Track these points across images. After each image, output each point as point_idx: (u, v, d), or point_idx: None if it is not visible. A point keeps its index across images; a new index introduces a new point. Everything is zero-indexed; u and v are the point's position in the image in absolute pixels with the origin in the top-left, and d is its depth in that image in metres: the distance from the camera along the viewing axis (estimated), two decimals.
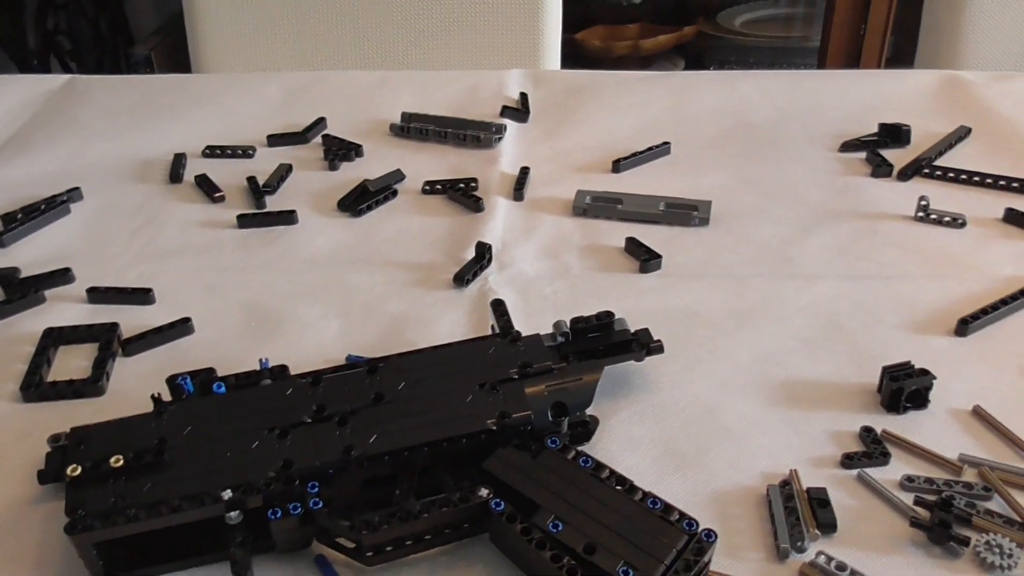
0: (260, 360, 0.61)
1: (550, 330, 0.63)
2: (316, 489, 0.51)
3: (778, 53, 2.84)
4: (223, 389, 0.57)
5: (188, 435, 0.54)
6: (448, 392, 0.56)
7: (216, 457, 0.53)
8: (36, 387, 0.67)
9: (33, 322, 0.74)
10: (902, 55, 2.36)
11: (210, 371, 0.60)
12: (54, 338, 0.72)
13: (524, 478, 0.52)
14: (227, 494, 0.50)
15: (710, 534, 0.49)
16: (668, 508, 0.51)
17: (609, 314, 0.64)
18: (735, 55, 2.82)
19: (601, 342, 0.63)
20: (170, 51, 2.52)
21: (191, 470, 0.52)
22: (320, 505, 0.51)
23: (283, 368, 0.60)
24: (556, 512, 0.50)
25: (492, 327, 0.67)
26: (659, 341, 0.64)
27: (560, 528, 0.49)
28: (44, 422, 0.64)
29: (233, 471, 0.52)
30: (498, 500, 0.51)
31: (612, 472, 0.53)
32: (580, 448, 0.55)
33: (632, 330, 0.64)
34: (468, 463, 0.54)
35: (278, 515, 0.50)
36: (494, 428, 0.54)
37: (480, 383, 0.57)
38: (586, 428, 0.59)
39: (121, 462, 0.52)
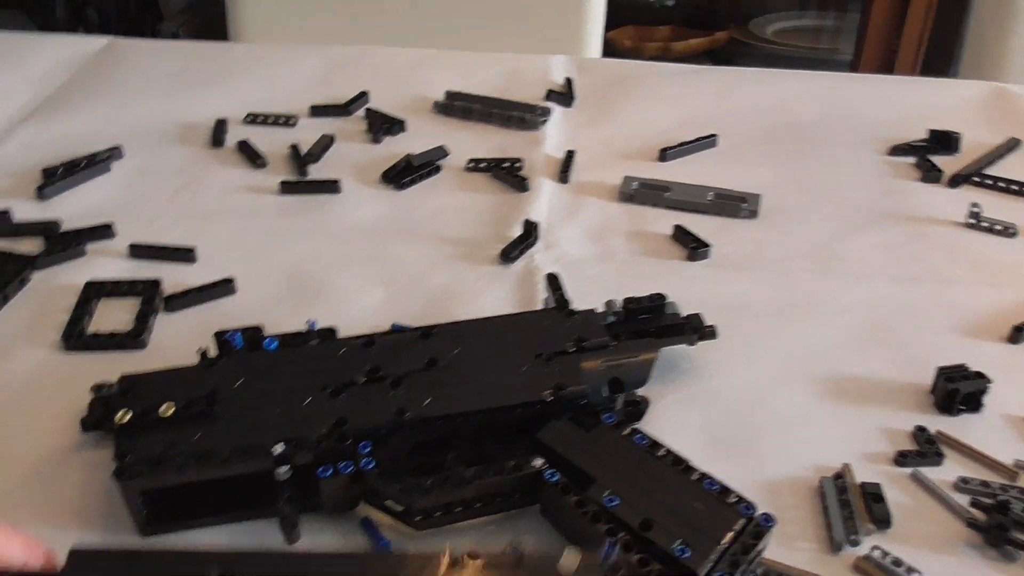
0: (308, 322, 0.60)
1: (600, 309, 0.62)
2: (368, 449, 0.50)
3: (808, 64, 2.81)
4: (275, 345, 0.56)
5: (239, 388, 0.53)
6: (503, 361, 0.55)
7: (267, 412, 0.52)
8: (78, 337, 0.66)
9: (73, 275, 0.73)
10: (931, 72, 2.35)
11: (258, 329, 0.59)
12: (96, 290, 0.71)
13: (578, 451, 0.51)
14: (278, 448, 0.49)
15: (768, 519, 0.49)
16: (725, 490, 0.50)
17: (661, 296, 0.63)
18: (765, 63, 2.79)
19: (652, 324, 0.62)
20: (198, 30, 2.52)
21: (242, 423, 0.51)
22: (372, 465, 0.50)
23: (331, 331, 0.59)
24: (611, 487, 0.49)
25: (544, 302, 0.66)
26: (712, 327, 0.63)
27: (615, 503, 0.48)
28: (85, 372, 0.62)
29: (284, 426, 0.51)
30: (553, 471, 0.50)
31: (668, 451, 0.52)
32: (635, 426, 0.54)
33: (684, 315, 0.63)
34: (519, 434, 0.53)
35: (329, 473, 0.49)
36: (549, 399, 0.53)
37: (536, 354, 0.56)
38: (636, 408, 0.58)
39: (172, 411, 0.51)
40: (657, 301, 0.62)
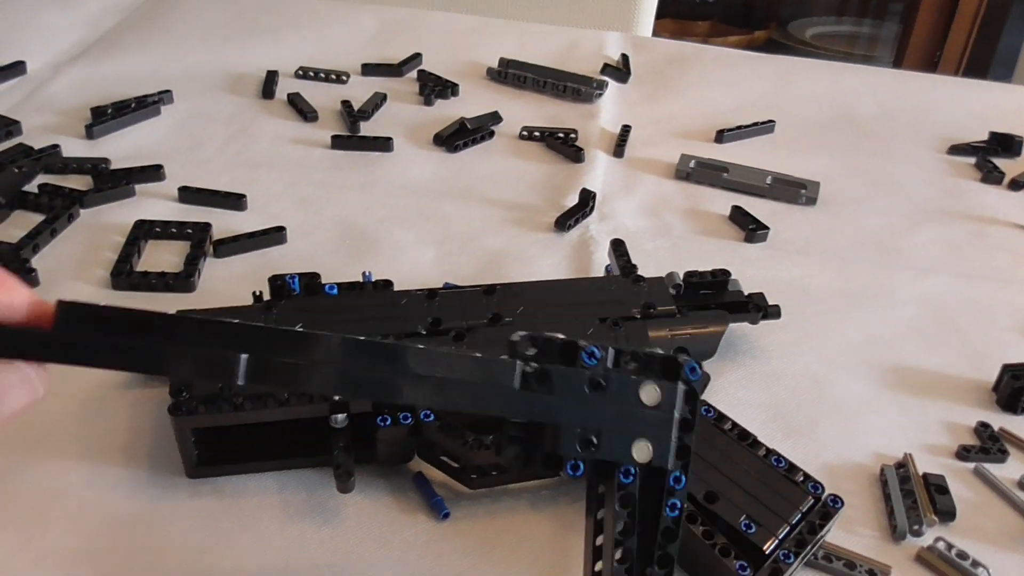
0: (364, 273, 0.58)
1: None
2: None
3: None
4: (335, 291, 0.55)
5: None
6: (568, 323, 0.54)
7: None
8: (127, 275, 0.65)
9: (123, 214, 0.72)
10: None
11: (315, 275, 0.58)
12: (145, 230, 0.70)
13: None
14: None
15: (836, 500, 0.47)
16: (792, 468, 0.48)
17: (725, 272, 0.61)
18: None
19: (714, 300, 0.60)
20: None
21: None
22: (432, 418, 0.48)
23: (388, 283, 0.58)
24: None
25: (607, 269, 0.65)
26: (776, 306, 0.61)
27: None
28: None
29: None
30: None
31: (735, 424, 0.50)
32: (703, 398, 0.52)
33: (746, 292, 0.62)
34: None
35: (387, 422, 0.48)
36: None
37: (601, 318, 0.54)
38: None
39: None
40: (720, 277, 0.61)
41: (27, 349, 0.31)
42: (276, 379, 0.33)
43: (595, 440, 0.35)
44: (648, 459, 0.35)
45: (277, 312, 0.53)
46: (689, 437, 0.36)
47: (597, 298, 0.56)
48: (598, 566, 0.37)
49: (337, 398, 0.48)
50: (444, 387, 0.33)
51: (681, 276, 0.61)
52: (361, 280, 0.58)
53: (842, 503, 0.47)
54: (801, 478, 0.48)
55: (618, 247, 0.64)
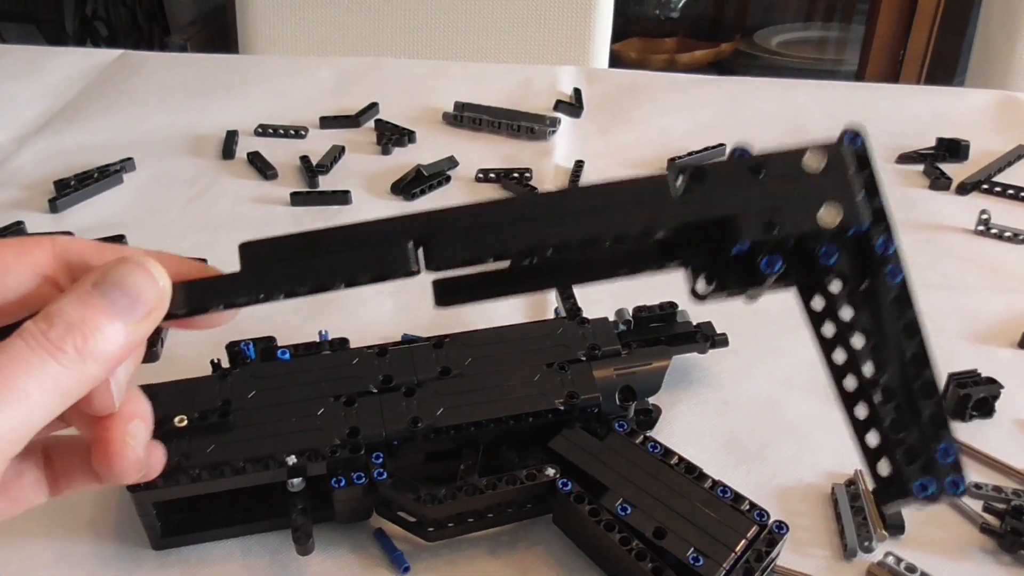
0: (320, 332, 0.60)
1: (611, 318, 0.62)
2: (381, 460, 0.50)
3: (813, 75, 2.83)
4: (288, 356, 0.56)
5: (253, 399, 0.53)
6: (515, 370, 0.55)
7: (281, 422, 0.52)
8: None
9: None
10: (936, 82, 2.35)
11: (271, 339, 0.59)
12: None
13: (591, 459, 0.51)
14: (291, 459, 0.49)
15: (781, 526, 0.48)
16: (738, 498, 0.50)
17: (672, 304, 0.63)
18: (770, 75, 2.81)
19: (663, 332, 0.62)
20: (206, 41, 2.53)
21: (255, 434, 0.51)
22: (384, 476, 0.50)
23: (344, 341, 0.59)
24: (624, 495, 0.49)
25: (556, 311, 0.66)
26: (723, 334, 0.63)
27: (629, 511, 0.48)
28: None
29: (298, 437, 0.51)
30: (565, 480, 0.50)
31: (681, 459, 0.52)
32: (647, 434, 0.54)
33: (694, 323, 0.63)
34: (532, 443, 0.53)
35: (342, 484, 0.50)
36: (562, 408, 0.53)
37: (548, 363, 0.56)
38: (649, 416, 0.58)
39: (185, 422, 0.51)
40: (668, 309, 0.62)
41: (229, 294, 0.35)
42: (456, 256, 0.35)
43: (775, 223, 0.33)
44: (839, 219, 0.33)
45: (232, 381, 0.54)
46: (877, 200, 0.34)
47: (544, 343, 0.57)
48: (858, 409, 0.36)
49: (292, 462, 0.49)
50: (609, 213, 0.33)
51: (630, 311, 0.63)
52: (317, 340, 0.60)
53: (787, 528, 0.48)
54: (747, 507, 0.49)
55: (564, 290, 0.65)
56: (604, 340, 0.58)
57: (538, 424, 0.53)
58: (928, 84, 2.25)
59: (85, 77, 1.12)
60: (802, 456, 0.59)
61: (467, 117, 1.00)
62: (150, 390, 0.53)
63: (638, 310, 0.62)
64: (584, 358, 0.57)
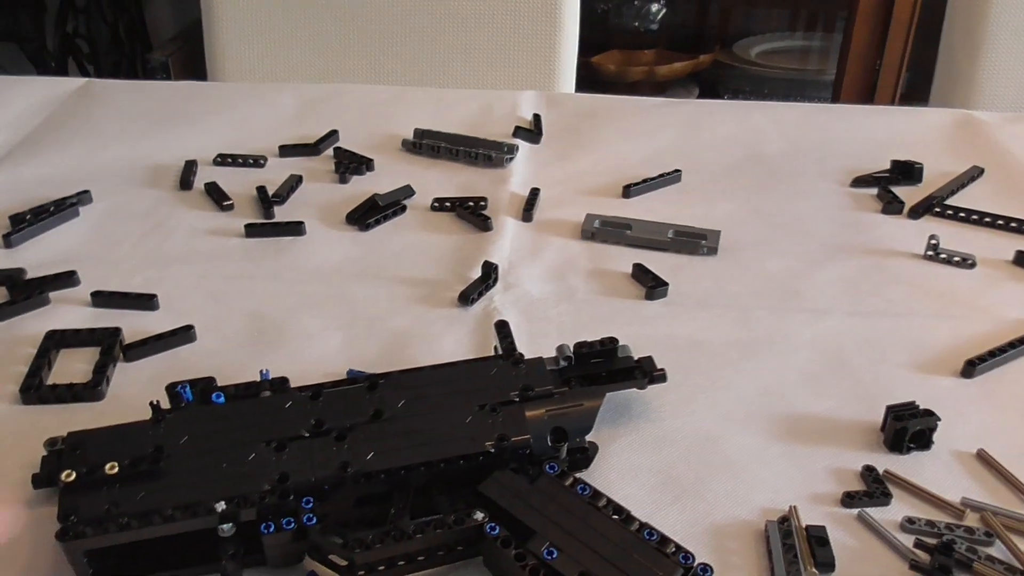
0: (261, 371, 0.60)
1: (553, 353, 0.63)
2: (311, 504, 0.51)
3: (793, 85, 2.86)
4: (222, 399, 0.57)
5: (185, 444, 0.53)
6: (448, 412, 0.56)
7: (212, 468, 0.52)
8: (35, 389, 0.66)
9: (36, 324, 0.74)
10: (916, 92, 2.36)
11: (210, 380, 0.59)
12: (56, 340, 0.71)
13: (520, 503, 0.52)
14: (220, 506, 0.50)
15: (706, 568, 0.49)
16: (664, 540, 0.50)
17: (613, 340, 0.63)
18: (750, 85, 2.83)
19: (604, 368, 0.62)
20: (187, 58, 2.54)
21: (186, 480, 0.52)
22: (314, 521, 0.50)
23: (283, 380, 0.60)
24: (551, 539, 0.49)
25: (495, 348, 0.67)
26: (662, 370, 0.63)
27: (555, 556, 0.49)
28: (42, 425, 0.63)
29: (228, 483, 0.51)
30: (493, 524, 0.50)
31: (609, 501, 0.52)
32: (578, 475, 0.54)
33: (636, 357, 0.64)
34: (464, 484, 0.54)
35: (271, 529, 0.50)
36: (492, 451, 0.54)
37: (480, 404, 0.56)
38: (585, 454, 0.59)
39: (116, 469, 0.51)
40: (608, 345, 0.63)
41: None
42: None
43: None
44: None
45: (166, 427, 0.55)
46: None
47: (478, 383, 0.58)
48: None
49: (222, 508, 0.50)
50: None
51: (571, 347, 0.63)
52: (258, 379, 0.60)
53: (711, 571, 0.49)
54: (672, 549, 0.50)
55: (502, 328, 0.66)
56: (538, 380, 0.58)
57: (469, 467, 0.53)
58: (906, 94, 2.27)
59: (48, 107, 1.12)
60: (738, 492, 0.59)
61: (426, 144, 1.01)
62: (81, 437, 0.53)
63: (579, 346, 0.63)
64: (517, 399, 0.57)
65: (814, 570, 0.53)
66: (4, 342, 0.72)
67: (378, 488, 0.53)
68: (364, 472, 0.52)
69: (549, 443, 0.56)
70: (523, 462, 0.54)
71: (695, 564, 0.49)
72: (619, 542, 0.50)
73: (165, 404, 0.58)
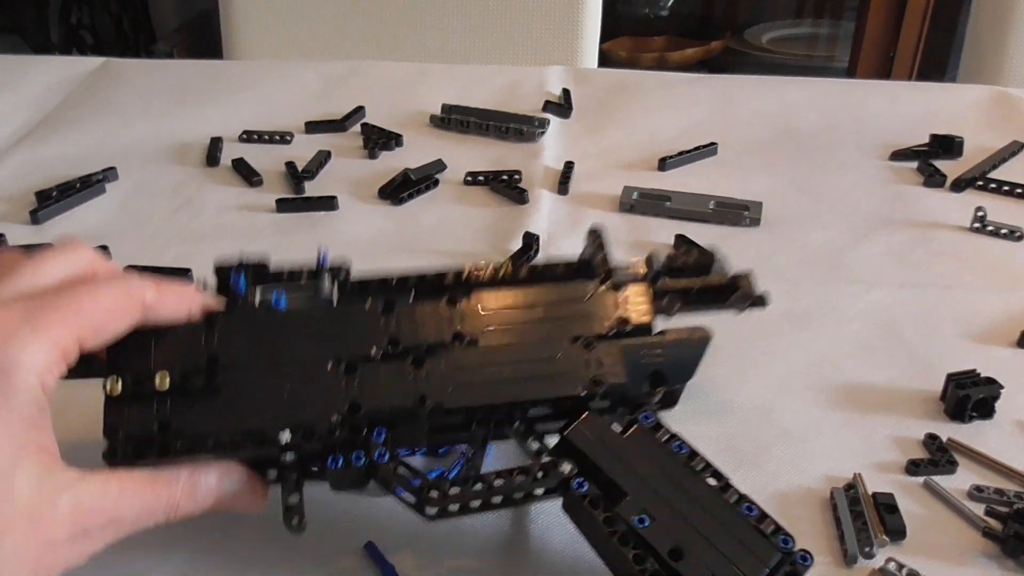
0: (319, 249, 0.53)
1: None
2: (383, 437, 0.46)
3: (803, 72, 2.83)
4: (283, 303, 0.50)
5: (242, 358, 0.47)
6: (537, 343, 0.50)
7: (274, 389, 0.47)
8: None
9: None
10: (927, 78, 2.34)
11: (263, 265, 0.52)
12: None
13: (610, 457, 0.47)
14: (285, 436, 0.45)
15: (806, 557, 0.45)
16: (763, 516, 0.46)
17: (711, 254, 0.57)
18: (761, 72, 2.80)
19: (697, 283, 0.56)
20: (192, 49, 2.52)
21: (245, 401, 0.46)
22: (387, 457, 0.46)
23: (346, 271, 0.52)
24: (645, 504, 0.45)
25: (584, 256, 0.57)
26: (763, 294, 0.57)
27: (647, 524, 0.45)
28: (78, 399, 0.61)
29: (292, 408, 0.46)
30: (581, 480, 0.46)
31: (708, 464, 0.48)
32: (674, 432, 0.49)
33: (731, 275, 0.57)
34: (547, 420, 0.50)
35: (339, 463, 0.46)
36: (583, 395, 0.49)
37: (574, 336, 0.50)
38: (671, 395, 0.53)
39: (167, 383, 0.46)
40: (707, 258, 0.56)
41: None
42: None
43: None
44: None
45: (219, 331, 0.48)
46: None
47: (571, 310, 0.52)
48: None
49: (286, 440, 0.45)
50: None
51: (663, 258, 0.56)
52: (316, 263, 0.52)
53: (811, 559, 0.45)
54: (772, 528, 0.46)
55: (595, 239, 0.57)
56: (637, 310, 0.52)
57: (556, 410, 0.49)
58: (920, 79, 2.25)
59: (67, 86, 1.10)
60: (799, 461, 0.57)
61: (454, 120, 0.99)
62: (126, 341, 0.46)
63: (671, 258, 0.56)
64: (613, 334, 0.51)
65: (885, 537, 0.52)
66: None
67: (455, 421, 0.49)
68: (443, 407, 0.48)
69: (646, 388, 0.50)
70: (615, 406, 0.50)
71: (795, 549, 0.45)
72: (716, 514, 0.46)
73: (210, 287, 0.51)
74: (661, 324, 0.53)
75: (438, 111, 1.01)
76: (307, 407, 0.46)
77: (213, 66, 1.19)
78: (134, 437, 0.45)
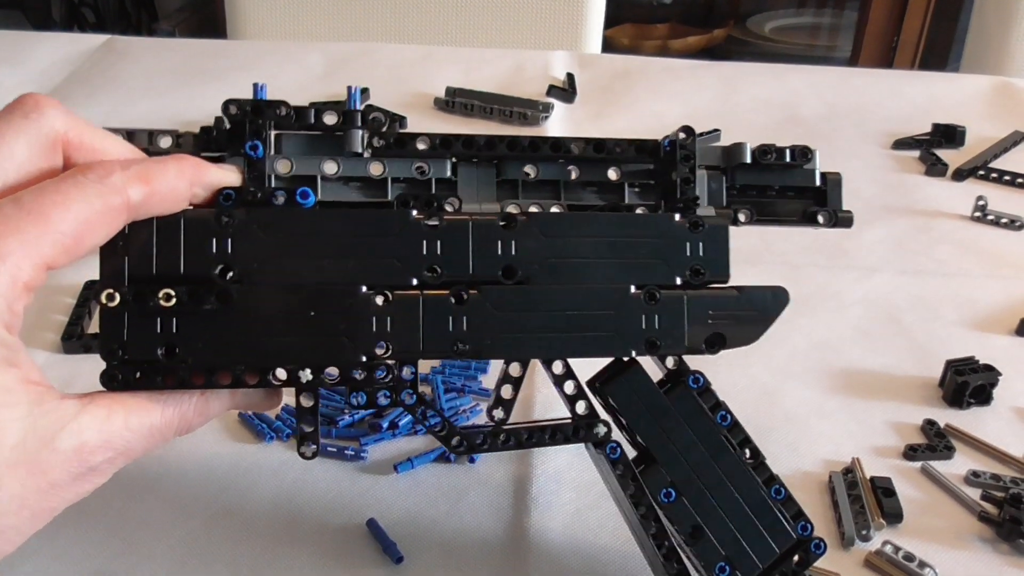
0: (349, 88, 0.45)
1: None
2: (412, 376, 0.42)
3: (806, 61, 2.82)
4: (312, 201, 0.42)
5: (260, 269, 0.40)
6: (596, 291, 0.44)
7: (294, 316, 0.40)
8: (78, 338, 0.65)
9: (75, 274, 0.72)
10: (929, 69, 2.34)
11: (283, 103, 0.45)
12: (96, 290, 0.70)
13: (650, 422, 0.44)
14: (306, 375, 0.40)
15: (820, 545, 0.45)
16: (789, 501, 0.45)
17: (806, 152, 0.50)
18: (763, 61, 2.80)
19: (778, 181, 0.50)
20: (195, 29, 2.52)
21: (261, 326, 0.40)
22: (414, 400, 0.42)
23: (377, 116, 0.44)
24: (673, 475, 0.44)
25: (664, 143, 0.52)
26: (849, 212, 0.52)
27: (672, 499, 0.44)
28: (85, 373, 0.62)
29: (315, 340, 0.40)
30: (615, 445, 0.44)
31: (747, 439, 0.45)
32: (720, 399, 0.46)
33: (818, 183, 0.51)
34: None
35: (363, 401, 0.42)
36: (636, 356, 0.44)
37: (639, 284, 0.44)
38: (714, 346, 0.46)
39: (173, 300, 0.39)
40: (799, 158, 0.50)
41: None
42: None
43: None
44: None
45: (233, 234, 0.40)
46: None
47: (640, 250, 0.44)
48: None
49: (307, 379, 0.41)
50: None
51: (749, 149, 0.49)
52: (346, 99, 0.45)
53: (824, 547, 0.45)
54: (794, 512, 0.45)
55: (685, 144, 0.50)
56: (714, 255, 0.45)
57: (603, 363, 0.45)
58: (922, 69, 2.25)
59: (71, 63, 1.10)
60: (799, 445, 0.58)
61: (459, 103, 0.99)
62: (132, 233, 0.39)
63: (763, 150, 0.49)
64: (682, 285, 0.44)
65: (882, 520, 0.52)
66: (45, 292, 0.70)
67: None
68: (478, 355, 0.43)
69: (703, 349, 0.45)
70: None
71: (811, 536, 0.45)
72: (745, 495, 0.45)
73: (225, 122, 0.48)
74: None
75: (442, 94, 1.01)
76: (332, 342, 0.41)
77: (217, 45, 1.19)
78: (135, 359, 0.39)
